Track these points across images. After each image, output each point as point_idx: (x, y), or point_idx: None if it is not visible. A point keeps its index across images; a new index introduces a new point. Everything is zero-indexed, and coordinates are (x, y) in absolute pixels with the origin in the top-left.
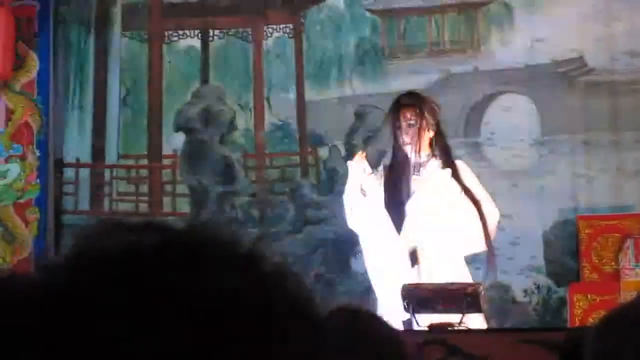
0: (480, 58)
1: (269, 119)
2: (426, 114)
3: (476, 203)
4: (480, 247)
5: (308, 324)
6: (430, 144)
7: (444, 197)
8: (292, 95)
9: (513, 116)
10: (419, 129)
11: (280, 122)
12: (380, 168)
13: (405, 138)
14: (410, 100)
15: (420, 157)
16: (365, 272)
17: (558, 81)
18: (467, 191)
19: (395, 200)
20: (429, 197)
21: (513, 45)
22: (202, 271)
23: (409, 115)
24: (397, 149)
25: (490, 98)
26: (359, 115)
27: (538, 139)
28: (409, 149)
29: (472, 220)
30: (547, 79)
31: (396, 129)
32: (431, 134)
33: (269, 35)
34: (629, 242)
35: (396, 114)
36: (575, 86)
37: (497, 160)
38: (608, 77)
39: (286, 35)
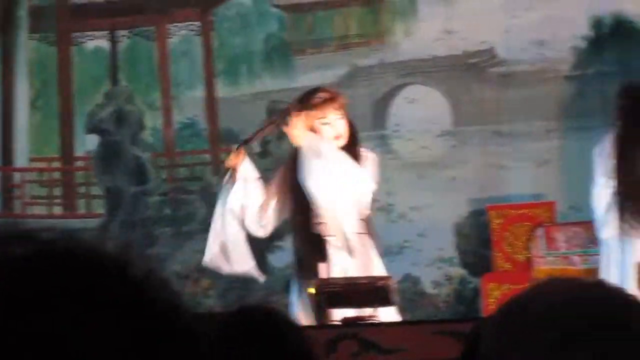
0: (385, 50)
1: (177, 118)
2: (343, 106)
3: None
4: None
5: (176, 331)
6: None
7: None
8: (201, 93)
9: (419, 107)
10: (345, 122)
11: (189, 121)
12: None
13: (336, 132)
14: (333, 95)
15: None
16: (284, 267)
17: (468, 72)
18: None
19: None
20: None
21: (418, 37)
22: (69, 279)
23: (337, 109)
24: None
25: (395, 90)
26: (271, 111)
27: (448, 129)
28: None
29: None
30: (456, 70)
31: (323, 124)
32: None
33: (174, 33)
34: (540, 231)
35: (322, 109)
36: (486, 77)
37: (404, 152)
38: (518, 67)
39: (192, 32)
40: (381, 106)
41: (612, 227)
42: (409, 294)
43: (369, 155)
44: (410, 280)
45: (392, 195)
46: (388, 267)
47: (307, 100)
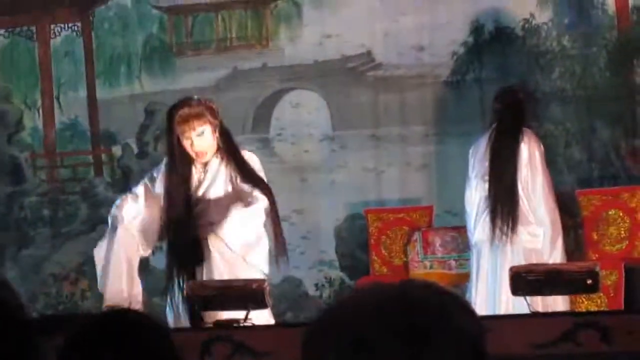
0: (269, 54)
1: (58, 118)
2: (213, 119)
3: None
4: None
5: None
6: (218, 145)
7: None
8: (83, 94)
9: (303, 112)
10: (211, 135)
11: (71, 121)
12: (162, 166)
13: (198, 149)
14: (195, 111)
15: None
16: (164, 270)
17: (347, 77)
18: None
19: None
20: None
21: (302, 42)
22: None
23: (197, 125)
24: (181, 157)
25: (279, 94)
26: (149, 113)
27: (328, 134)
28: (196, 157)
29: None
30: (336, 74)
31: (184, 139)
32: (217, 134)
33: (56, 33)
34: (417, 235)
35: (182, 125)
36: (364, 81)
37: (287, 156)
38: (395, 71)
39: (74, 33)
40: (263, 110)
41: (483, 231)
42: (292, 295)
43: (249, 156)
44: (293, 283)
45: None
46: (271, 270)
47: (172, 115)
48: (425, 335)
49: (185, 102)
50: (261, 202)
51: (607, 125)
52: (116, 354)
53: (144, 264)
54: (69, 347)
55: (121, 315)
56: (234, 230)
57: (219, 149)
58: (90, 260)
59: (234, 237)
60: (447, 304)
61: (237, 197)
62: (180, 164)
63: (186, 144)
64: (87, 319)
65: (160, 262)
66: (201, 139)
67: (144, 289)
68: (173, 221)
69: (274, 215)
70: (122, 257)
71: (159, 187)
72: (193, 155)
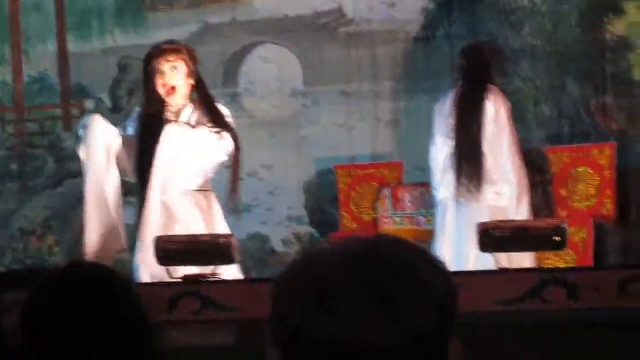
0: (238, 9)
1: (27, 72)
2: (190, 60)
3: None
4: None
5: None
6: (190, 92)
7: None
8: (52, 48)
9: (272, 67)
10: (185, 74)
11: (39, 75)
12: (134, 115)
13: (168, 82)
14: (174, 46)
15: (178, 103)
16: (134, 225)
17: (319, 32)
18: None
19: (151, 150)
20: (176, 147)
21: None
22: None
23: (172, 59)
24: (152, 93)
25: (248, 48)
26: (122, 68)
27: (299, 89)
28: (165, 94)
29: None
30: (308, 30)
31: (155, 73)
32: (192, 81)
33: None
34: (387, 191)
35: (158, 59)
36: (336, 37)
37: (256, 111)
38: (367, 27)
39: None
40: (233, 64)
41: (449, 189)
42: (258, 252)
43: (223, 109)
44: (260, 239)
45: (243, 153)
46: (237, 225)
47: (150, 54)
48: (393, 292)
49: (167, 41)
50: (227, 141)
51: (578, 82)
52: (80, 309)
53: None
54: (32, 302)
55: (85, 269)
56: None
57: (192, 100)
58: (57, 215)
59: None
60: (417, 260)
61: None
62: (153, 113)
63: (158, 80)
64: (50, 274)
65: (129, 219)
66: (174, 74)
67: None
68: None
69: (235, 165)
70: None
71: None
72: (162, 93)
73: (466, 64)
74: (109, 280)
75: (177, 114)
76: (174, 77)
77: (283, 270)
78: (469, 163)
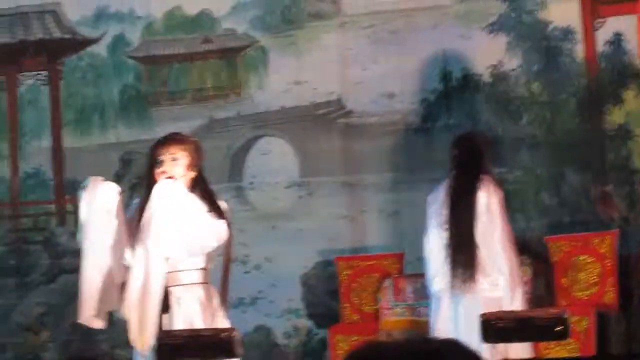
0: (241, 102)
1: (22, 167)
2: (192, 152)
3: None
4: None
5: None
6: (192, 186)
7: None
8: (47, 143)
9: (272, 159)
10: (185, 166)
11: (34, 170)
12: (133, 207)
13: (166, 170)
14: (177, 137)
15: None
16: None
17: (316, 123)
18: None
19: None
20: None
21: (269, 89)
22: None
23: (173, 150)
24: (151, 183)
25: (250, 142)
26: (125, 162)
27: (294, 180)
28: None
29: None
30: (304, 121)
31: (156, 164)
32: (193, 174)
33: (22, 82)
34: (388, 282)
35: (159, 149)
36: (334, 128)
37: (258, 204)
38: (366, 119)
39: (39, 82)
40: (237, 158)
41: (444, 280)
42: (263, 345)
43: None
44: (263, 331)
45: (247, 246)
46: (242, 318)
47: (154, 145)
48: None
49: (171, 133)
50: (222, 227)
51: (577, 171)
52: None
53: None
54: None
55: None
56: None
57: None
58: (51, 311)
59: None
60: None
61: None
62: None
63: (157, 170)
64: None
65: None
66: (173, 165)
67: (108, 340)
68: None
69: (226, 258)
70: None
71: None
72: (157, 179)
73: (458, 153)
74: None
75: None
76: (173, 168)
77: None
78: (463, 254)
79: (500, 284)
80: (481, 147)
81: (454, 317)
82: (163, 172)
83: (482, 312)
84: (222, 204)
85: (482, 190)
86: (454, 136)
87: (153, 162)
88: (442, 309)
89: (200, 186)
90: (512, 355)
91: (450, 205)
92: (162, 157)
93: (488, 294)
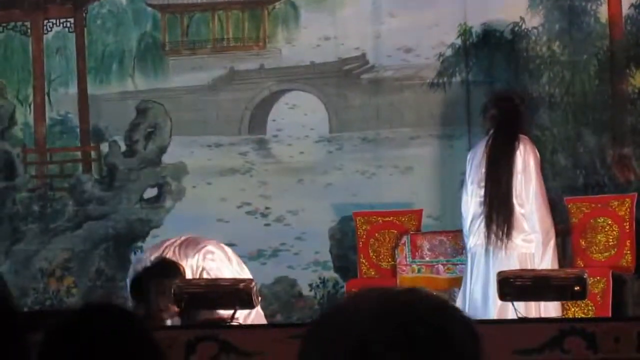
0: (266, 55)
1: (48, 114)
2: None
3: None
4: None
5: None
6: None
7: None
8: (73, 90)
9: (299, 113)
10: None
11: (61, 117)
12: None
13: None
14: (169, 270)
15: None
16: None
17: (343, 79)
18: None
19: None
20: None
21: (299, 44)
22: None
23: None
24: (149, 310)
25: (276, 95)
26: (141, 111)
27: (325, 135)
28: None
29: None
30: (333, 76)
31: (156, 293)
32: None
33: (49, 29)
34: (405, 239)
35: (154, 280)
36: (359, 84)
37: (283, 157)
38: (385, 74)
39: (67, 29)
40: (260, 111)
41: (479, 236)
42: (285, 296)
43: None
44: (287, 282)
45: (269, 199)
46: (262, 269)
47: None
48: (426, 346)
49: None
50: None
51: (594, 133)
52: (94, 348)
53: (125, 263)
54: (48, 342)
55: (97, 309)
56: None
57: None
58: (75, 257)
59: None
60: (448, 318)
61: None
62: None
63: (156, 300)
64: (64, 314)
65: None
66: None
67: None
68: None
69: None
70: None
71: None
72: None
73: (498, 113)
74: (124, 322)
75: None
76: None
77: (313, 322)
78: (499, 211)
79: (534, 241)
80: (520, 107)
81: (487, 274)
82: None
83: (515, 267)
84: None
85: (520, 149)
86: (491, 94)
87: (152, 290)
88: (477, 264)
89: None
90: (542, 314)
91: (487, 164)
92: (161, 288)
93: (522, 250)
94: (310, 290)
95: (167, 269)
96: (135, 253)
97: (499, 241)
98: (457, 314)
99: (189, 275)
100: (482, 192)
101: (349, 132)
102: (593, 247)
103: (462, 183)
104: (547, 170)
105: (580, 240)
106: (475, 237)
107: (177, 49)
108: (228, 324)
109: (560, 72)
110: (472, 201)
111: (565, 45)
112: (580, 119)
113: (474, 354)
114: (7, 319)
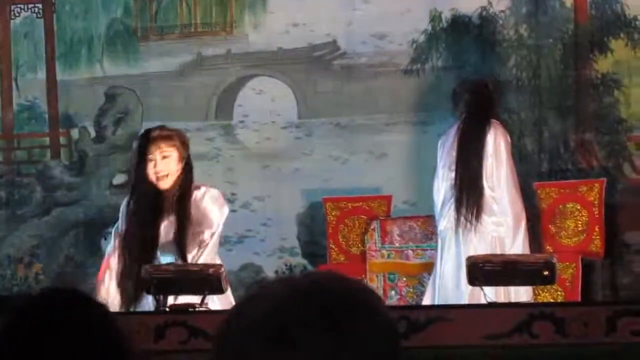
0: (233, 41)
1: (16, 100)
2: (180, 146)
3: None
4: None
5: None
6: (182, 175)
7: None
8: (42, 76)
9: (266, 99)
10: (176, 160)
11: (29, 103)
12: (123, 206)
13: (159, 169)
14: (166, 132)
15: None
16: None
17: (313, 65)
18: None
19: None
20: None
21: (266, 29)
22: None
23: (163, 147)
24: (142, 181)
25: (242, 81)
26: (110, 97)
27: (292, 121)
28: (156, 180)
29: None
30: (302, 62)
31: (146, 161)
32: (181, 165)
33: (16, 14)
34: (375, 224)
35: (149, 147)
36: (331, 70)
37: (250, 143)
38: (359, 60)
39: (35, 14)
40: (227, 96)
41: (448, 219)
42: (250, 282)
43: (209, 192)
44: (253, 269)
45: (235, 185)
46: (228, 256)
47: (143, 138)
48: (346, 325)
49: (158, 126)
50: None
51: (559, 118)
52: (54, 336)
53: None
54: (5, 330)
55: (59, 295)
56: None
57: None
58: (43, 243)
59: None
60: (361, 292)
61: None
62: (143, 197)
63: (149, 166)
64: (24, 301)
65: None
66: (166, 163)
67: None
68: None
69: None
70: None
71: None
72: (153, 178)
73: (470, 98)
74: (84, 307)
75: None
76: (167, 165)
77: (233, 308)
78: (469, 194)
79: (504, 224)
80: (492, 93)
81: (458, 257)
82: (158, 171)
83: (485, 251)
84: (210, 192)
85: (491, 133)
86: (462, 80)
87: (142, 159)
88: (448, 248)
89: (188, 176)
90: (513, 298)
91: (458, 147)
92: (153, 156)
93: (493, 234)
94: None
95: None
96: (105, 238)
97: (468, 223)
98: (374, 294)
99: None
100: (453, 175)
101: (318, 118)
102: (562, 232)
103: (435, 169)
104: (514, 155)
105: (550, 226)
106: (445, 220)
107: (146, 35)
108: (197, 309)
109: (528, 56)
110: (442, 185)
111: (532, 29)
112: (546, 103)
113: (393, 332)
114: None
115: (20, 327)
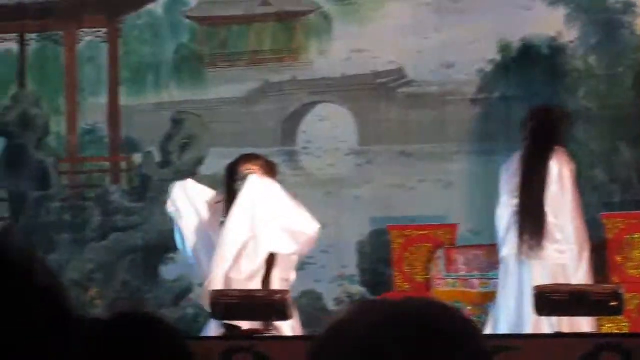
0: (298, 67)
1: (79, 124)
2: (264, 166)
3: None
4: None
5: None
6: None
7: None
8: (104, 100)
9: (329, 125)
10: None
11: (90, 127)
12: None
13: None
14: (250, 155)
15: None
16: (175, 280)
17: (376, 92)
18: None
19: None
20: None
21: (331, 56)
22: None
23: (248, 166)
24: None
25: (307, 107)
26: (176, 122)
27: (354, 148)
28: None
29: None
30: (365, 89)
31: (236, 181)
32: None
33: (82, 38)
34: (440, 252)
35: (236, 168)
36: (394, 97)
37: (312, 169)
38: (426, 88)
39: (99, 39)
40: (291, 123)
41: (511, 246)
42: (310, 309)
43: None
44: (313, 296)
45: None
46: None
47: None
48: (442, 353)
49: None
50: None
51: (631, 147)
52: (125, 357)
53: (153, 275)
54: (86, 350)
55: (130, 319)
56: None
57: None
58: (100, 268)
59: None
60: (461, 329)
61: None
62: None
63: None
64: (94, 325)
65: (170, 274)
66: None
67: (155, 298)
68: None
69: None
70: None
71: None
72: None
73: (534, 125)
74: (157, 330)
75: None
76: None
77: (325, 328)
78: (531, 221)
79: (567, 252)
80: (557, 120)
81: (520, 283)
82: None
83: (547, 278)
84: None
85: (555, 160)
86: (532, 108)
87: (232, 180)
88: (510, 275)
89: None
90: (574, 329)
91: (522, 173)
92: (241, 174)
93: (556, 261)
94: (336, 305)
95: None
96: (166, 264)
97: (530, 251)
98: (472, 323)
99: None
100: (516, 201)
101: (381, 145)
102: (628, 263)
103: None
104: (584, 186)
105: (616, 256)
106: (507, 246)
107: (214, 61)
108: (263, 335)
109: (597, 86)
110: (505, 211)
111: (601, 59)
112: (617, 133)
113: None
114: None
115: (92, 351)
